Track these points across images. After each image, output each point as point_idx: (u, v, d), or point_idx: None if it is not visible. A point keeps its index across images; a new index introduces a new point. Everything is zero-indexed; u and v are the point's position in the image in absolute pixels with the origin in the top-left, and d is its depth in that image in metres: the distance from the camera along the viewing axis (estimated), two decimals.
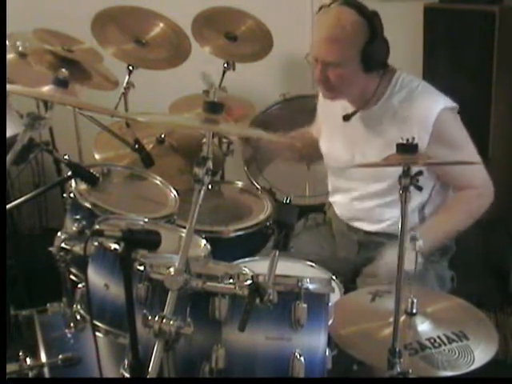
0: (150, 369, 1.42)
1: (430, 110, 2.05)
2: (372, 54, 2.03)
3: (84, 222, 1.99)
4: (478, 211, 2.12)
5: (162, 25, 3.00)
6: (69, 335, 2.05)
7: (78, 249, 1.95)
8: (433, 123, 2.03)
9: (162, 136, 2.80)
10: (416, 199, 2.11)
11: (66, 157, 2.08)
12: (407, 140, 1.60)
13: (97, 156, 2.70)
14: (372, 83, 2.11)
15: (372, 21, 2.02)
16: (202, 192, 1.50)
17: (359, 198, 2.24)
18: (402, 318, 1.65)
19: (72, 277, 2.02)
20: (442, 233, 2.14)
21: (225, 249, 2.26)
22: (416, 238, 1.93)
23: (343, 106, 2.20)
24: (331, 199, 2.41)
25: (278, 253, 1.48)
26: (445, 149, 2.05)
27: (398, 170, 1.57)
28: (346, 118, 2.17)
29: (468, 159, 2.09)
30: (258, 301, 1.43)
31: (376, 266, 2.07)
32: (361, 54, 2.02)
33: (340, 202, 2.34)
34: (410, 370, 1.53)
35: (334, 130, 2.30)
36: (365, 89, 2.12)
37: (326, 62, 2.04)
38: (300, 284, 1.53)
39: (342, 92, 2.12)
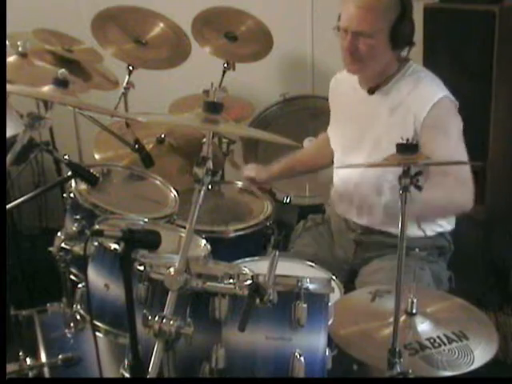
0: (150, 369, 1.42)
1: (431, 93, 2.11)
2: (400, 31, 2.09)
3: (84, 222, 1.99)
4: (456, 203, 2.09)
5: (162, 25, 3.00)
6: (69, 335, 2.05)
7: (77, 249, 1.95)
8: (431, 105, 2.08)
9: (162, 136, 2.80)
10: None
11: (66, 157, 2.07)
12: (407, 140, 1.60)
13: (97, 156, 2.70)
14: (393, 64, 2.18)
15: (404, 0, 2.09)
16: (202, 192, 1.50)
17: (359, 182, 2.25)
18: (402, 318, 1.65)
19: (72, 277, 2.02)
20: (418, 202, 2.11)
21: (225, 249, 2.26)
22: None
23: (355, 85, 2.26)
24: (332, 191, 2.42)
25: (277, 253, 1.48)
26: (435, 133, 2.07)
27: (398, 170, 1.58)
28: (371, 91, 2.22)
29: (452, 149, 2.10)
30: (258, 301, 1.43)
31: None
32: (391, 28, 2.08)
33: (339, 193, 2.35)
34: (410, 370, 1.53)
35: (344, 109, 2.34)
36: (386, 67, 2.18)
37: (357, 31, 2.08)
38: (300, 284, 1.53)
39: (367, 65, 2.16)
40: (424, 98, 2.11)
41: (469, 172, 2.08)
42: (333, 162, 2.47)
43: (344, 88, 2.35)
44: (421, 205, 1.92)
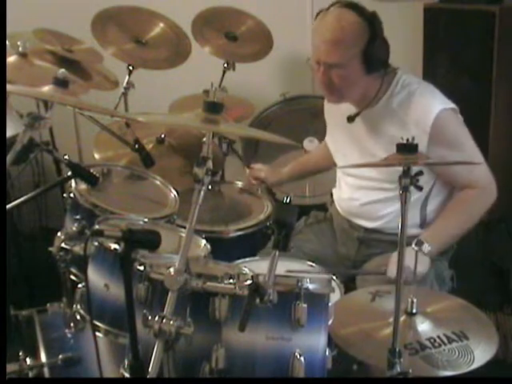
0: (150, 369, 1.42)
1: (428, 111, 2.05)
2: (373, 55, 2.04)
3: (84, 222, 1.99)
4: (480, 210, 2.13)
5: (162, 25, 3.00)
6: (69, 335, 2.05)
7: (77, 249, 1.95)
8: (431, 124, 2.04)
9: (162, 136, 2.80)
10: (415, 195, 2.12)
11: (66, 157, 2.08)
12: (407, 140, 1.60)
13: (97, 156, 2.70)
14: (374, 84, 2.12)
15: (372, 21, 2.03)
16: (202, 192, 1.50)
17: (361, 193, 2.24)
18: (402, 317, 1.65)
19: (72, 277, 2.02)
20: (445, 235, 2.15)
21: (225, 249, 2.26)
22: (422, 242, 1.97)
23: (347, 107, 2.22)
24: (335, 192, 2.42)
25: (277, 253, 1.48)
26: (444, 149, 2.05)
27: (399, 171, 1.58)
28: (350, 119, 2.20)
29: (468, 159, 2.10)
30: (257, 301, 1.43)
31: (385, 264, 2.08)
32: (362, 54, 2.03)
33: (342, 196, 2.35)
34: (410, 370, 1.53)
35: (339, 131, 2.32)
36: (367, 90, 2.13)
37: (328, 63, 2.05)
38: (300, 284, 1.53)
39: (345, 94, 2.13)
40: (421, 117, 2.05)
41: (490, 174, 2.12)
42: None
43: (336, 109, 2.29)
44: (454, 237, 2.12)
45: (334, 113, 2.32)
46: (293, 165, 2.68)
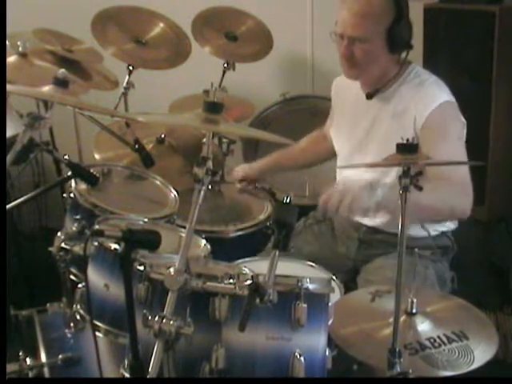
0: (150, 369, 1.42)
1: (433, 98, 2.09)
2: (397, 34, 2.08)
3: (84, 222, 1.99)
4: (454, 208, 2.03)
5: (162, 25, 3.00)
6: (69, 335, 2.05)
7: (77, 249, 1.95)
8: (432, 110, 2.07)
9: (162, 136, 2.80)
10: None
11: (66, 157, 2.08)
12: (407, 140, 1.60)
13: (97, 156, 2.70)
14: (393, 68, 2.16)
15: (399, 1, 2.08)
16: (202, 192, 1.50)
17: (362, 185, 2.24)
18: (402, 317, 1.65)
19: (72, 277, 2.02)
20: (416, 205, 2.08)
21: (225, 249, 2.26)
22: (376, 188, 1.90)
23: (357, 89, 2.25)
24: None
25: (277, 253, 1.48)
26: (433, 136, 2.05)
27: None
28: (369, 96, 2.21)
29: (453, 155, 2.08)
30: (257, 301, 1.43)
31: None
32: (387, 32, 2.07)
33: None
34: (410, 370, 1.53)
35: (347, 114, 2.33)
36: (385, 71, 2.16)
37: (353, 37, 2.08)
38: (300, 284, 1.53)
39: (365, 70, 2.15)
40: (425, 102, 2.09)
41: (468, 178, 2.03)
42: (324, 160, 2.54)
43: (346, 92, 2.34)
44: (416, 207, 1.94)
45: (344, 97, 2.34)
46: (273, 155, 2.65)
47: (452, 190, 2.01)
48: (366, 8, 2.06)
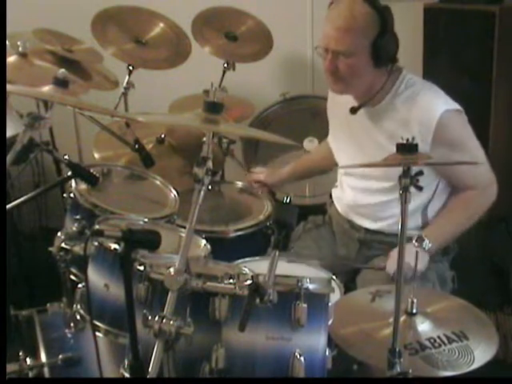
0: (150, 369, 1.42)
1: (432, 111, 2.05)
2: (382, 48, 2.05)
3: (84, 222, 1.98)
4: (480, 210, 2.15)
5: (162, 25, 3.00)
6: (69, 335, 2.05)
7: (77, 249, 1.95)
8: (435, 125, 2.04)
9: (162, 136, 2.80)
10: (419, 199, 2.12)
11: (66, 157, 2.08)
12: (407, 140, 1.60)
13: (97, 156, 2.70)
14: (379, 79, 2.13)
15: (384, 15, 2.05)
16: (202, 192, 1.50)
17: (364, 194, 2.24)
18: (402, 318, 1.65)
19: (72, 277, 2.02)
20: (445, 234, 2.16)
21: (225, 249, 2.26)
22: (423, 239, 1.95)
23: (349, 102, 2.21)
24: (335, 192, 2.42)
25: (277, 253, 1.48)
26: (446, 150, 2.06)
27: (400, 170, 1.58)
28: (353, 110, 2.18)
29: (470, 160, 2.10)
30: (257, 301, 1.43)
31: (384, 261, 2.08)
32: (371, 46, 2.04)
33: (344, 197, 2.35)
34: (410, 370, 1.53)
35: (340, 127, 2.32)
36: (372, 84, 2.13)
37: (336, 51, 2.06)
38: (300, 284, 1.53)
39: (350, 84, 2.13)
40: (425, 117, 2.05)
41: (491, 173, 2.15)
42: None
43: (337, 106, 2.31)
44: (456, 229, 2.14)
45: (337, 109, 2.32)
46: (293, 165, 2.68)
47: (482, 197, 2.15)
48: (349, 22, 2.03)
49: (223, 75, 3.08)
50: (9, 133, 2.11)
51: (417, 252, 1.71)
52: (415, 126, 2.05)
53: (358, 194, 2.27)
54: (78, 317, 1.85)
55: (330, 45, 2.07)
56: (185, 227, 1.59)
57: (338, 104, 2.29)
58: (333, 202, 2.43)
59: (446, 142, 2.05)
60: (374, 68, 2.08)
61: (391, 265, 2.01)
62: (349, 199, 2.31)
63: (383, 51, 2.05)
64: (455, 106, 2.10)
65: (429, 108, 2.06)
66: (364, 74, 2.09)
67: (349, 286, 2.07)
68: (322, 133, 2.56)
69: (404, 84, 2.13)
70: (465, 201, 2.16)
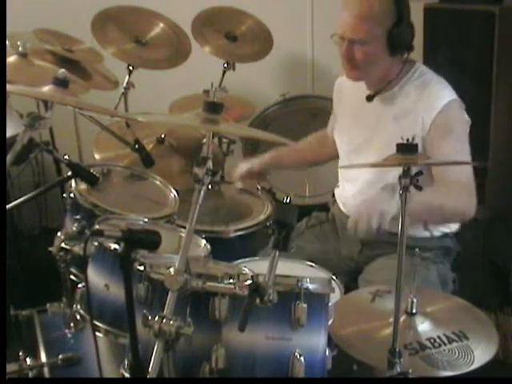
0: (150, 369, 1.42)
1: (439, 97, 2.10)
2: (398, 36, 2.08)
3: (84, 222, 1.98)
4: (459, 209, 2.05)
5: (162, 25, 3.00)
6: (69, 335, 2.04)
7: (77, 249, 1.95)
8: (440, 109, 2.07)
9: (162, 136, 2.80)
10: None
11: (66, 157, 2.08)
12: (407, 140, 1.60)
13: (97, 156, 2.70)
14: (394, 67, 2.16)
15: (400, 3, 2.08)
16: (202, 192, 1.50)
17: (365, 189, 2.24)
18: (402, 318, 1.65)
19: (72, 277, 2.02)
20: (419, 205, 2.10)
21: (225, 249, 2.26)
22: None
23: (360, 90, 2.24)
24: (337, 191, 2.41)
25: (277, 253, 1.48)
26: (442, 137, 2.07)
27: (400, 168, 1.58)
28: (369, 98, 2.21)
29: (461, 155, 2.09)
30: (258, 301, 1.43)
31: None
32: (387, 34, 2.07)
33: (346, 194, 2.34)
34: (410, 370, 1.53)
35: (351, 110, 2.33)
36: (387, 72, 2.16)
37: (353, 39, 2.08)
38: (300, 284, 1.53)
39: (366, 72, 2.15)
40: (431, 103, 2.09)
41: (472, 179, 2.07)
42: (325, 161, 2.55)
43: (348, 93, 2.34)
44: (419, 206, 1.93)
45: (347, 97, 2.34)
46: (274, 151, 2.58)
47: (456, 193, 2.04)
48: (366, 11, 2.06)
49: (223, 75, 3.08)
50: (9, 133, 2.10)
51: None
52: (420, 111, 2.09)
53: (361, 189, 2.26)
54: (78, 317, 1.85)
55: (346, 32, 2.09)
56: (185, 227, 1.59)
57: (347, 91, 2.32)
58: (335, 201, 2.42)
59: (442, 126, 2.08)
60: (389, 56, 2.11)
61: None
62: (350, 197, 2.31)
63: (399, 40, 2.09)
64: (461, 101, 2.14)
65: (437, 95, 2.11)
66: (379, 61, 2.12)
67: (350, 285, 2.07)
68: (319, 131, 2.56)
69: (417, 74, 2.17)
70: (442, 187, 2.06)
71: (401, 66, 2.17)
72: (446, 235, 2.26)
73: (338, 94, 2.42)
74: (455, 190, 2.04)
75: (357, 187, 2.28)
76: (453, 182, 2.05)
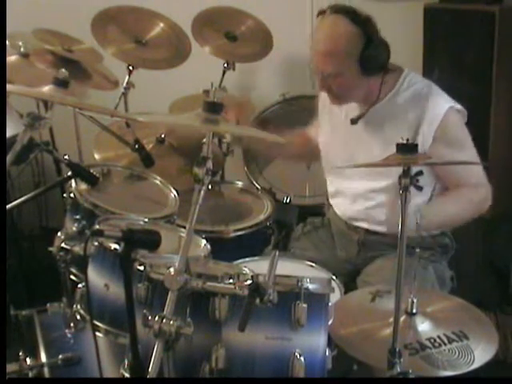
0: (150, 369, 1.42)
1: (436, 109, 2.07)
2: (370, 59, 2.04)
3: (84, 222, 1.99)
4: (470, 207, 2.12)
5: (162, 25, 3.00)
6: (69, 335, 2.05)
7: (77, 249, 1.95)
8: (439, 122, 2.05)
9: (162, 136, 2.80)
10: (417, 200, 2.11)
11: (66, 157, 2.08)
12: (407, 140, 1.60)
13: (97, 156, 2.70)
14: (376, 83, 2.13)
15: (366, 27, 2.03)
16: (202, 192, 1.50)
17: (360, 197, 2.24)
18: (402, 318, 1.65)
19: (72, 277, 2.02)
20: (440, 216, 2.14)
21: (225, 249, 2.26)
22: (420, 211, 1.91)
23: (346, 110, 2.22)
24: (332, 201, 2.40)
25: (277, 253, 1.48)
26: (446, 148, 2.06)
27: (399, 169, 1.58)
28: (354, 121, 2.19)
29: (470, 159, 2.10)
30: (258, 301, 1.43)
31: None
32: (358, 61, 2.04)
33: (341, 203, 2.34)
34: (410, 370, 1.53)
35: (335, 129, 2.31)
36: (370, 90, 2.14)
37: (324, 73, 2.08)
38: (300, 284, 1.53)
39: (347, 97, 2.16)
40: (430, 117, 2.06)
41: (484, 176, 2.11)
42: (303, 160, 2.61)
43: (334, 109, 2.29)
44: (445, 217, 2.07)
45: (332, 110, 2.31)
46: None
47: (472, 193, 2.10)
48: (331, 46, 2.04)
49: (223, 75, 3.08)
50: (9, 133, 2.10)
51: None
52: (419, 124, 2.06)
53: (356, 198, 2.26)
54: (78, 317, 1.85)
55: (318, 67, 2.09)
56: (185, 227, 1.59)
57: (334, 109, 2.27)
58: (331, 204, 2.42)
59: (446, 139, 2.07)
60: (366, 78, 2.08)
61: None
62: (347, 202, 2.31)
63: (372, 61, 2.05)
64: (457, 105, 2.12)
65: (434, 106, 2.07)
66: (357, 85, 2.11)
67: (349, 286, 2.07)
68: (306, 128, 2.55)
69: (406, 83, 2.14)
70: (457, 194, 2.13)
71: (381, 79, 2.11)
72: (443, 233, 2.26)
73: (322, 107, 2.37)
74: (470, 192, 2.10)
75: (349, 197, 2.28)
76: (466, 186, 2.11)
